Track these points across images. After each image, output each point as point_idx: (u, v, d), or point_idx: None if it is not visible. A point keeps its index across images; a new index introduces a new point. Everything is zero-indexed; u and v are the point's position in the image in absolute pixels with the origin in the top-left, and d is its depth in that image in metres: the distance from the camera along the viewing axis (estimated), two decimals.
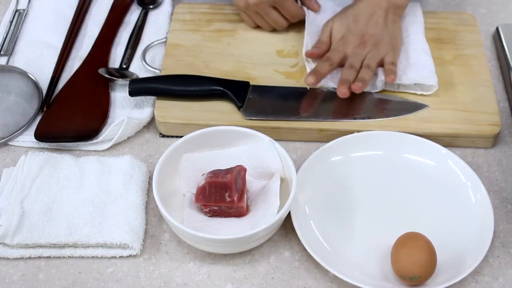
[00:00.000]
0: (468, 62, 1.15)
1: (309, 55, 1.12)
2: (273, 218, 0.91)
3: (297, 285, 0.93)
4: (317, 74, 1.08)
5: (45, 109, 1.10)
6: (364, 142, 1.04)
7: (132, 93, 1.09)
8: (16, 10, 1.25)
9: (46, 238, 0.94)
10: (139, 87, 1.09)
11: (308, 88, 1.11)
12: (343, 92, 1.06)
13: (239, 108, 1.07)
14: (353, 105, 1.08)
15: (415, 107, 1.08)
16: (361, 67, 1.09)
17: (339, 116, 1.07)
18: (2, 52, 1.19)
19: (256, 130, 1.01)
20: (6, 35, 1.21)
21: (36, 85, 1.12)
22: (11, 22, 1.23)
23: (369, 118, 1.07)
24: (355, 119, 1.07)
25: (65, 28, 1.22)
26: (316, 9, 1.19)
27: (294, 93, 1.10)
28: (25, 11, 1.25)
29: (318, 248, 0.93)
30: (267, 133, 1.00)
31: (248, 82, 1.10)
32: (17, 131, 1.07)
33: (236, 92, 1.08)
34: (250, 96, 1.08)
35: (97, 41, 1.20)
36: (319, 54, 1.11)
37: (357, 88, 1.06)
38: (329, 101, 1.09)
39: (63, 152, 1.05)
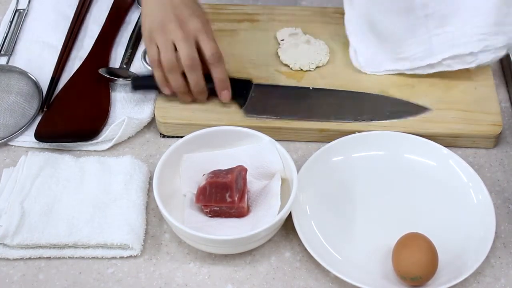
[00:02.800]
0: None
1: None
2: (274, 219, 0.91)
3: (298, 285, 0.92)
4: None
5: (45, 109, 1.10)
6: (365, 142, 1.04)
7: (135, 87, 1.10)
8: (16, 10, 1.25)
9: (46, 239, 0.93)
10: (142, 85, 1.10)
11: (310, 88, 1.10)
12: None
13: (240, 106, 1.07)
14: (355, 106, 1.08)
15: (418, 110, 1.07)
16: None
17: (340, 117, 1.07)
18: (2, 52, 1.18)
19: (257, 130, 1.00)
20: (6, 35, 1.21)
21: (36, 85, 1.12)
22: (11, 22, 1.23)
23: (371, 120, 1.06)
24: (357, 120, 1.06)
25: (65, 28, 1.22)
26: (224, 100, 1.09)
27: (297, 93, 1.10)
28: (25, 11, 1.25)
29: (319, 249, 0.93)
30: (268, 133, 1.00)
31: (250, 81, 1.10)
32: (17, 131, 1.07)
33: (238, 90, 1.08)
34: (252, 95, 1.08)
35: (97, 41, 1.20)
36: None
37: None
38: (330, 102, 1.09)
39: (63, 152, 1.05)
